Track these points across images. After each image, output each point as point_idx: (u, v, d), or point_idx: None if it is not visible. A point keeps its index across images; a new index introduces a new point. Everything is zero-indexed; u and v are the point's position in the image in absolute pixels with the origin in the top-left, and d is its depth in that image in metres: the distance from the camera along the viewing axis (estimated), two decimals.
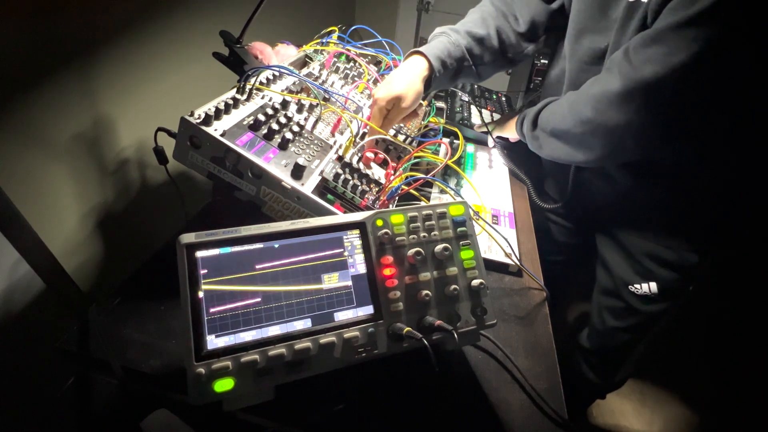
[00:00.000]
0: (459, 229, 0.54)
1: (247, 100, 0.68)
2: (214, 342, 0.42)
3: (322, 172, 0.63)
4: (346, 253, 0.49)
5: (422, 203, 0.67)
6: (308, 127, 0.71)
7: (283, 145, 0.63)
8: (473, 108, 1.20)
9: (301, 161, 0.59)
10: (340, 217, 0.50)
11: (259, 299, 0.44)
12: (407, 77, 0.77)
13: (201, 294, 0.42)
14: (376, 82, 0.95)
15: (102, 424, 0.62)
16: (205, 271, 0.43)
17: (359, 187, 0.66)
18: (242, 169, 0.59)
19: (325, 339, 0.45)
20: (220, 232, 0.44)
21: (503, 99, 1.32)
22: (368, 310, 0.48)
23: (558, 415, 0.54)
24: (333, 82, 0.87)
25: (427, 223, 0.53)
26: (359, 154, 0.74)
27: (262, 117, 0.64)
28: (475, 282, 0.52)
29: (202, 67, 0.95)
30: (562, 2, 0.88)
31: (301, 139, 0.67)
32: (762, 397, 1.59)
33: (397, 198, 0.70)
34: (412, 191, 0.71)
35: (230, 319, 0.43)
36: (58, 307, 0.77)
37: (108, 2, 0.75)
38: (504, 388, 0.57)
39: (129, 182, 0.90)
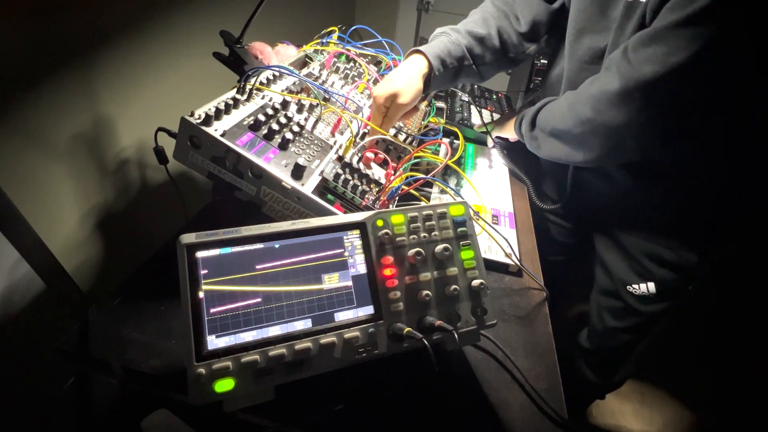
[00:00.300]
0: (459, 230, 0.54)
1: (248, 100, 0.68)
2: (214, 342, 0.42)
3: (322, 172, 0.63)
4: (346, 254, 0.49)
5: (422, 203, 0.67)
6: (308, 127, 0.71)
7: (284, 146, 0.63)
8: (473, 108, 1.20)
9: (301, 161, 0.59)
10: (341, 218, 0.50)
11: (259, 299, 0.44)
12: (405, 74, 0.77)
13: (201, 294, 0.42)
14: (376, 82, 0.95)
15: (102, 424, 0.62)
16: (206, 271, 0.43)
17: (359, 187, 0.66)
18: (242, 169, 0.59)
19: (325, 339, 0.45)
20: (221, 232, 0.44)
21: (503, 99, 1.32)
22: (368, 310, 0.48)
23: (558, 415, 0.54)
24: (333, 82, 0.87)
25: (427, 223, 0.53)
26: (359, 154, 0.74)
27: (262, 117, 0.64)
28: (476, 282, 0.52)
29: (202, 67, 0.95)
30: (563, 2, 0.88)
31: (302, 140, 0.67)
32: (762, 397, 1.59)
33: (397, 198, 0.70)
34: (412, 191, 0.71)
35: (231, 319, 0.43)
36: (58, 307, 0.77)
37: (108, 2, 0.75)
38: (504, 388, 0.57)
39: (129, 182, 0.90)
